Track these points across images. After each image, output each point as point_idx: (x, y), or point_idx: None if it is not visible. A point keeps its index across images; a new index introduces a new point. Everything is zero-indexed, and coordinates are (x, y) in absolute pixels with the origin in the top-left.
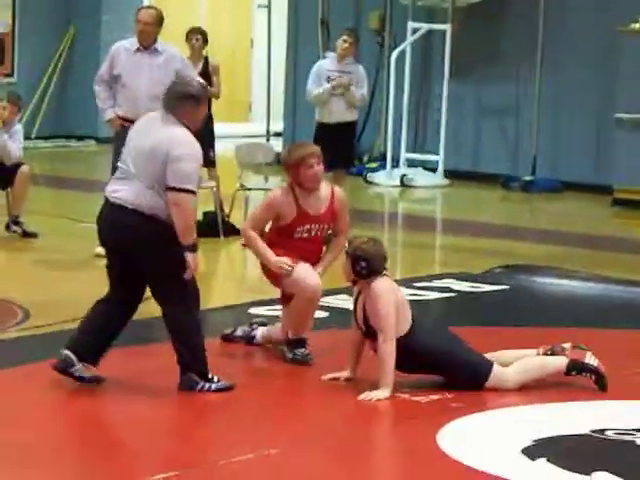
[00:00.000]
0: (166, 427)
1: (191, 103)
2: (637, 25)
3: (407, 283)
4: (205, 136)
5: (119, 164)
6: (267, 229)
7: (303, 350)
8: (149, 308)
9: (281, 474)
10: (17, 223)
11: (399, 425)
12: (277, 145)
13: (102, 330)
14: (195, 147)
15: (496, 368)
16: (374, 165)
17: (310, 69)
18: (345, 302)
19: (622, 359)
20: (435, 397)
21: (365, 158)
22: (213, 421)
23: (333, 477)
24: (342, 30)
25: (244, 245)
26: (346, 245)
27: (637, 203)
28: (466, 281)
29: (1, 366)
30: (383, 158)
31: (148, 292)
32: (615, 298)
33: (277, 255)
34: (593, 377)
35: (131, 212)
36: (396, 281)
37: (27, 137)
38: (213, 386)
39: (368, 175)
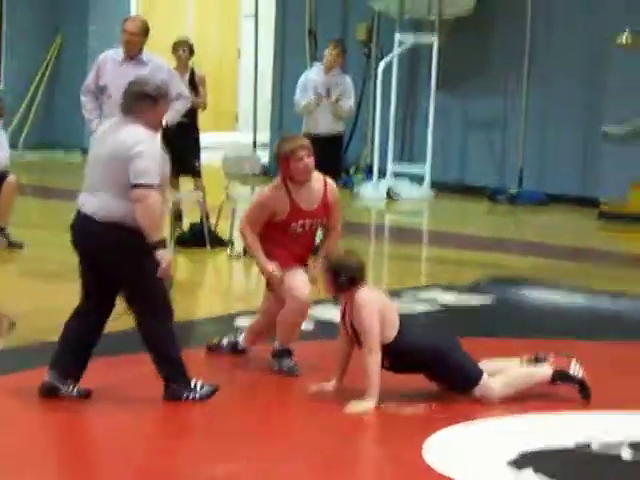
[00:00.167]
0: (148, 439)
1: (148, 102)
2: (624, 38)
3: (393, 295)
4: (191, 146)
5: (85, 176)
6: None
7: (289, 361)
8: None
9: None
10: (3, 233)
11: (384, 436)
12: (264, 156)
13: (79, 345)
14: (153, 143)
15: (485, 377)
16: (360, 177)
17: (297, 79)
18: (331, 313)
19: (607, 370)
20: (421, 408)
21: (352, 170)
22: (197, 433)
23: None
24: (329, 41)
25: (231, 256)
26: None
27: (623, 216)
28: (452, 293)
29: None
30: (370, 170)
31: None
32: (600, 310)
33: (271, 250)
34: (577, 387)
35: (97, 222)
36: None
37: (13, 147)
38: (197, 395)
39: (355, 187)
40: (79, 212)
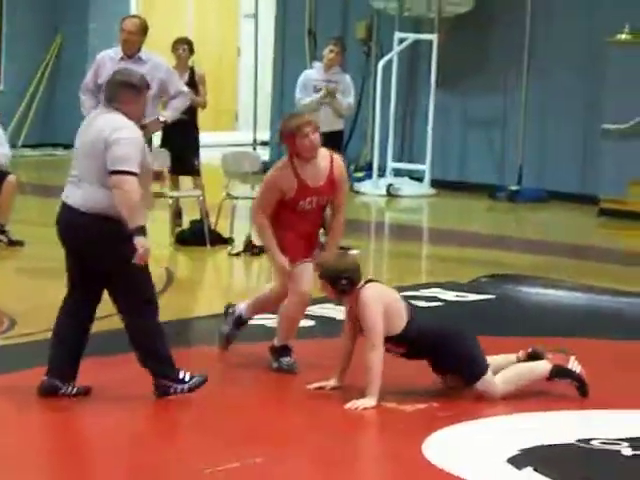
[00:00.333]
0: (146, 437)
1: (132, 92)
2: (623, 35)
3: None
4: (190, 145)
5: (71, 168)
6: None
7: (288, 359)
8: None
9: None
10: (2, 232)
11: (385, 434)
12: (264, 154)
13: (72, 343)
14: (132, 131)
15: (490, 372)
16: (360, 174)
17: (297, 78)
18: (330, 311)
19: (608, 368)
20: (421, 406)
21: (352, 167)
22: (196, 430)
23: None
24: (329, 40)
25: (230, 254)
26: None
27: (623, 213)
28: (452, 290)
29: None
30: (369, 167)
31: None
32: (601, 308)
33: (282, 237)
34: (575, 383)
35: (82, 214)
36: None
37: (13, 145)
38: (186, 387)
39: (354, 185)
40: (64, 205)
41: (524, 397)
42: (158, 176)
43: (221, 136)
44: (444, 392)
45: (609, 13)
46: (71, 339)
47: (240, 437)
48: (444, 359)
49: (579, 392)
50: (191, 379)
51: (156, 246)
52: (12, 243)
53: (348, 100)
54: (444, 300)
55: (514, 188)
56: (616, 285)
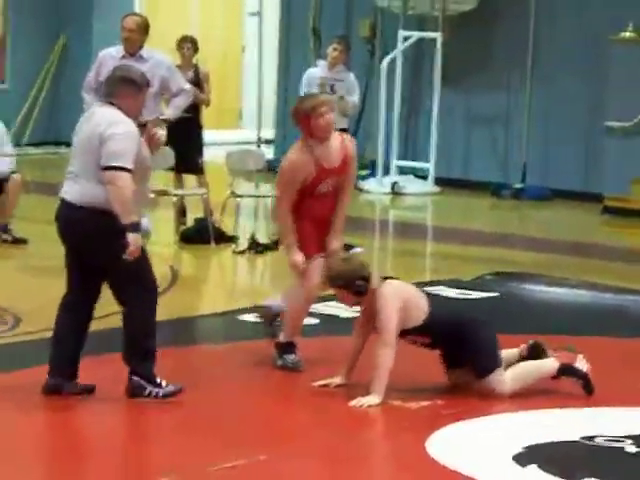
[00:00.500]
0: (149, 434)
1: (132, 88)
2: (627, 34)
3: None
4: (194, 143)
5: (69, 164)
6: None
7: (293, 357)
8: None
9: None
10: (6, 230)
11: (389, 431)
12: (268, 152)
13: (73, 341)
14: (127, 126)
15: (501, 369)
16: (365, 172)
17: (301, 76)
18: (335, 309)
19: (612, 366)
20: (426, 403)
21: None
22: (199, 427)
23: None
24: (333, 38)
25: (234, 252)
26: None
27: (627, 211)
28: (456, 288)
29: None
30: (374, 165)
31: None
32: (605, 305)
33: (297, 220)
34: (581, 382)
35: (79, 208)
36: None
37: (17, 144)
38: (161, 392)
39: (359, 182)
40: (62, 201)
41: (529, 394)
42: None
43: (225, 134)
44: (448, 389)
45: (613, 11)
46: (70, 338)
47: (245, 434)
48: (462, 348)
49: (585, 391)
50: (167, 386)
51: (161, 244)
52: (16, 241)
53: (353, 99)
54: (448, 298)
55: (518, 186)
56: (620, 283)
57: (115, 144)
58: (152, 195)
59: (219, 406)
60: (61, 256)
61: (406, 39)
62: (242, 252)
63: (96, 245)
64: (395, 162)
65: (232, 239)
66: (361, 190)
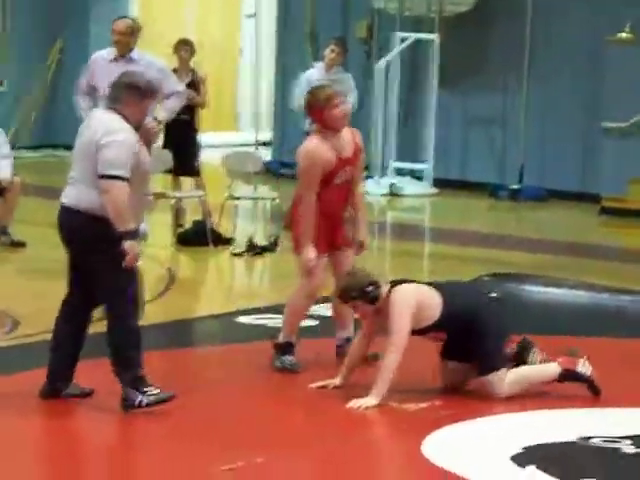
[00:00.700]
0: (147, 437)
1: (136, 94)
2: (623, 35)
3: None
4: (191, 145)
5: (70, 170)
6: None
7: (291, 358)
8: None
9: None
10: (5, 233)
11: (387, 433)
12: (265, 154)
13: (72, 346)
14: (124, 134)
15: (505, 369)
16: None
17: (298, 78)
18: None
19: (610, 367)
20: (424, 405)
21: None
22: (198, 430)
23: None
24: (330, 40)
25: (232, 254)
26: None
27: (624, 211)
28: None
29: None
30: (371, 167)
31: None
32: (602, 306)
33: (320, 212)
34: (586, 385)
35: (77, 213)
36: None
37: (15, 147)
38: (145, 400)
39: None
40: (61, 206)
41: (527, 395)
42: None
43: (223, 136)
44: (446, 391)
45: (610, 12)
46: (69, 342)
47: (243, 437)
48: (471, 340)
49: (592, 393)
50: (157, 393)
51: (158, 247)
52: (14, 244)
53: (350, 100)
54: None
55: (515, 187)
56: (618, 283)
57: (110, 152)
58: (151, 197)
59: (217, 408)
60: (59, 260)
61: (403, 40)
62: (240, 254)
63: (90, 250)
64: (392, 163)
65: (230, 241)
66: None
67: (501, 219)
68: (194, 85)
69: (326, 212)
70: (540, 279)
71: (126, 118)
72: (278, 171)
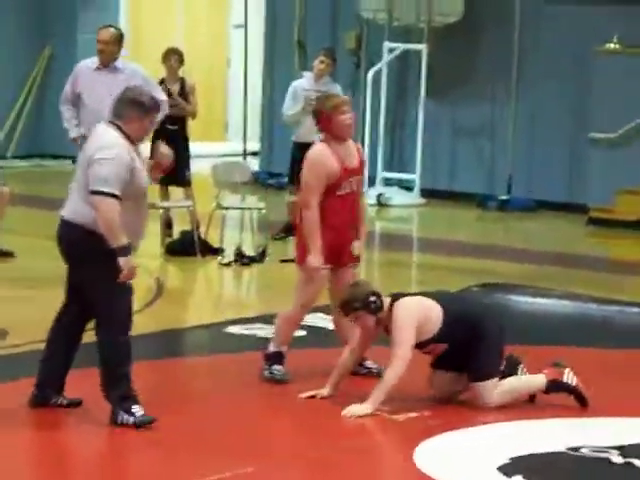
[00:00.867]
0: (135, 448)
1: (139, 110)
2: (611, 45)
3: None
4: (181, 155)
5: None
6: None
7: (280, 368)
8: None
9: None
10: None
11: (376, 443)
12: (254, 164)
13: (64, 356)
14: (117, 150)
15: (496, 379)
16: None
17: (286, 89)
18: (322, 321)
19: (597, 377)
20: (413, 415)
21: None
22: (186, 440)
23: None
24: (319, 50)
25: (220, 264)
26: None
27: (611, 222)
28: None
29: None
30: None
31: None
32: (590, 316)
33: (325, 224)
34: (572, 396)
35: (73, 226)
36: None
37: (2, 157)
38: (131, 419)
39: None
40: (60, 219)
41: (515, 405)
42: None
43: (211, 146)
44: (436, 401)
45: (598, 22)
46: (61, 353)
47: (232, 447)
48: (469, 348)
49: (579, 403)
50: (141, 415)
51: (147, 257)
52: (2, 254)
53: None
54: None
55: (503, 197)
56: (605, 293)
57: (102, 169)
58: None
59: (206, 419)
60: (47, 269)
61: (391, 51)
62: (228, 264)
63: (85, 264)
64: (381, 174)
65: (218, 251)
66: None
67: (489, 230)
68: (183, 95)
69: (332, 224)
70: (528, 289)
71: (127, 134)
72: (266, 181)
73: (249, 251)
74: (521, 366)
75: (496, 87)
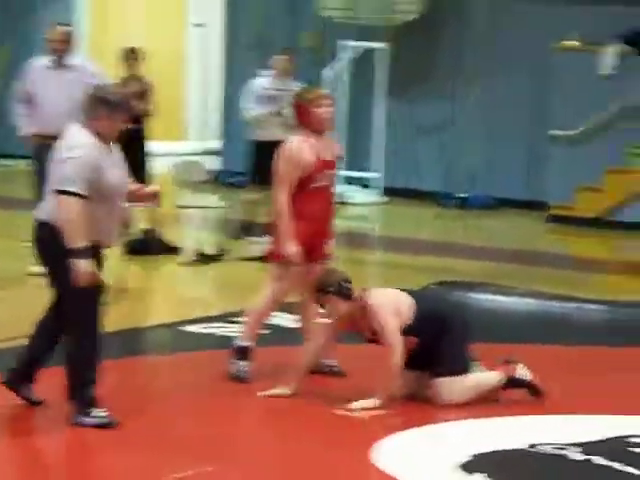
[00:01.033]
0: (96, 447)
1: (106, 109)
2: (570, 42)
3: None
4: (139, 154)
5: None
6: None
7: (245, 364)
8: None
9: None
10: None
11: (336, 440)
12: (214, 163)
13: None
14: (83, 150)
15: (461, 377)
16: None
17: (246, 87)
18: (285, 320)
19: (558, 374)
20: (374, 412)
21: None
22: (147, 439)
23: None
24: (279, 49)
25: (180, 263)
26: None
27: (571, 219)
28: None
29: None
30: None
31: None
32: (550, 314)
33: (294, 219)
34: (528, 390)
35: (44, 226)
36: None
37: None
38: (87, 420)
39: None
40: (35, 220)
41: (475, 403)
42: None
43: (171, 145)
44: (396, 398)
45: (557, 19)
46: (40, 349)
47: (192, 446)
48: (437, 344)
49: (533, 395)
50: (101, 417)
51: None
52: None
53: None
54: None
55: (463, 195)
56: (565, 291)
57: (66, 168)
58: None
59: (167, 417)
60: (5, 269)
61: (351, 49)
62: (187, 263)
63: (53, 263)
64: (342, 172)
65: (177, 250)
66: None
67: (449, 227)
68: (142, 94)
69: (306, 216)
70: (488, 287)
71: (98, 132)
72: (226, 180)
73: (208, 250)
74: (477, 363)
75: (456, 84)
